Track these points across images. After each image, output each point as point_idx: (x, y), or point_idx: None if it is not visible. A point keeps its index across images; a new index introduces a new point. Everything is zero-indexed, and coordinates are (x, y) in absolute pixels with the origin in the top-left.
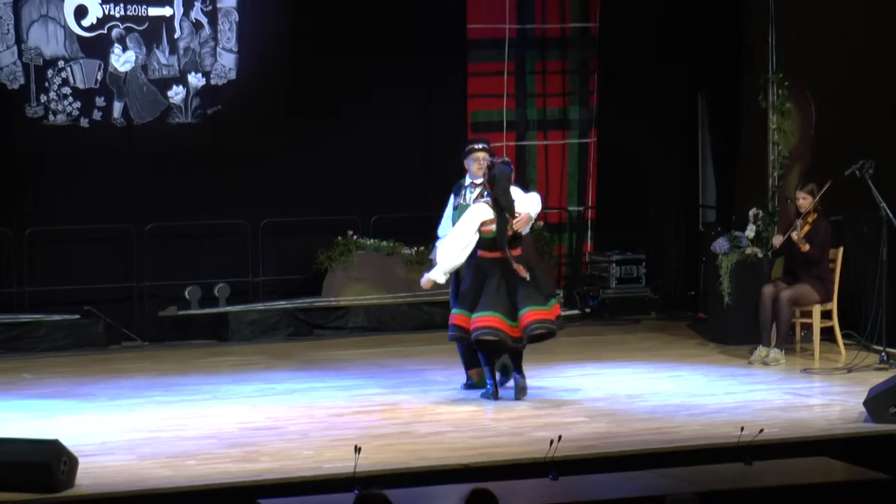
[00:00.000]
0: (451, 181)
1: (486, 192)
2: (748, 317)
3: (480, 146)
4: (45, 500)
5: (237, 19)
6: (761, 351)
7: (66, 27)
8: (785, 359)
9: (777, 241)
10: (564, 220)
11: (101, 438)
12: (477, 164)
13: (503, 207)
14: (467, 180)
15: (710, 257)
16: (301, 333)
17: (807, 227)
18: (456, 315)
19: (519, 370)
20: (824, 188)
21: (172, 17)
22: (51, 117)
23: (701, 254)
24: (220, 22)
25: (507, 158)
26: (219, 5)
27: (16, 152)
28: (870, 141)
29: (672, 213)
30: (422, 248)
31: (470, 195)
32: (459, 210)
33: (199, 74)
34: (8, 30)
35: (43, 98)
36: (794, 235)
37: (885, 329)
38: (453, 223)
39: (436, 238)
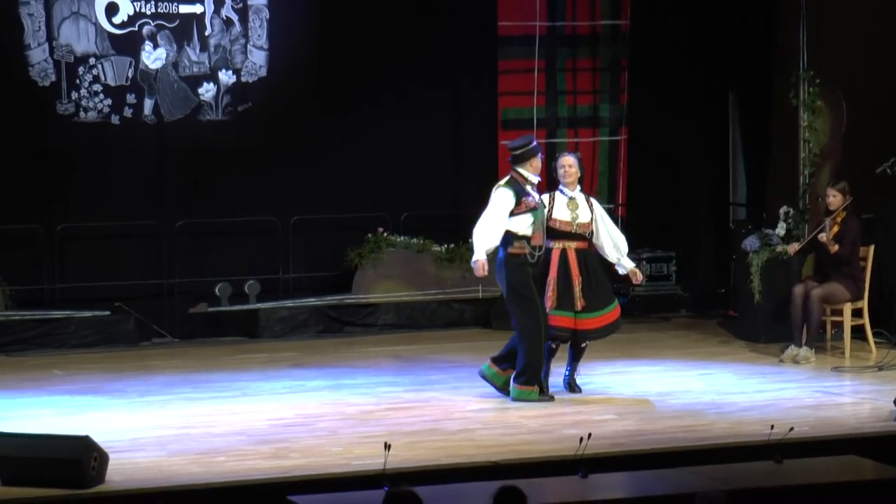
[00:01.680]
0: (482, 178)
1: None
2: (778, 315)
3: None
4: (75, 496)
5: (267, 16)
6: (792, 350)
7: (97, 24)
8: (815, 357)
9: (793, 249)
10: None
11: (132, 435)
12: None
13: None
14: (534, 179)
15: (740, 255)
16: (331, 330)
17: (836, 228)
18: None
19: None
20: (847, 202)
21: (203, 14)
22: (82, 114)
23: (731, 251)
24: (250, 19)
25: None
26: (249, 2)
27: (47, 149)
28: None
29: (702, 210)
30: (451, 245)
31: (538, 196)
32: (541, 210)
33: (230, 72)
34: (39, 27)
35: (74, 95)
36: (823, 237)
37: None
38: (535, 222)
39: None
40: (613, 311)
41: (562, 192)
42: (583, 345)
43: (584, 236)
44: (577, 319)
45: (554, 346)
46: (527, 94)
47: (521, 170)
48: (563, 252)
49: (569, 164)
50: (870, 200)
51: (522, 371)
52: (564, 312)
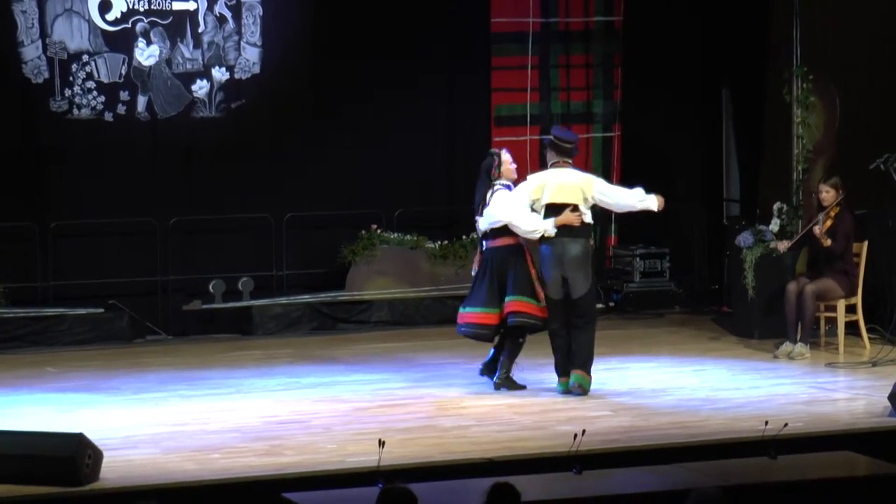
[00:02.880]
0: (476, 175)
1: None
2: (772, 310)
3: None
4: (69, 493)
5: (261, 13)
6: (786, 346)
7: (90, 21)
8: (810, 353)
9: (782, 246)
10: None
11: (126, 432)
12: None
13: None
14: None
15: (734, 251)
16: (325, 327)
17: (829, 222)
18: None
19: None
20: (840, 198)
21: (196, 11)
22: (75, 111)
23: (725, 248)
24: (243, 16)
25: (493, 151)
26: (243, 0)
27: (40, 147)
28: (895, 134)
29: (696, 206)
30: (445, 241)
31: None
32: None
33: (223, 68)
34: (32, 24)
35: (67, 92)
36: (817, 229)
37: None
38: None
39: None
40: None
41: (508, 188)
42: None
43: None
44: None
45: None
46: (520, 90)
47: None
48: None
49: (512, 160)
50: (863, 196)
51: (591, 360)
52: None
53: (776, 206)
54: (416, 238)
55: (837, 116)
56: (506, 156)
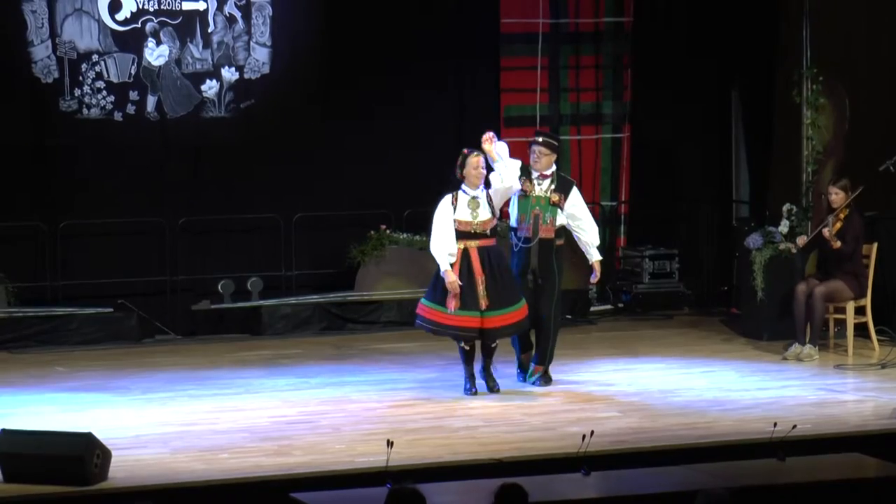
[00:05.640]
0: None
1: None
2: (781, 312)
3: (541, 139)
4: (78, 492)
5: (271, 14)
6: (795, 348)
7: (100, 21)
8: (819, 355)
9: (801, 241)
10: (597, 214)
11: (135, 432)
12: (533, 157)
13: None
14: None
15: (743, 252)
16: (334, 328)
17: (839, 224)
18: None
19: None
20: (857, 192)
21: (206, 11)
22: (85, 111)
23: (734, 249)
24: (253, 16)
25: (465, 149)
26: (252, 0)
27: (50, 146)
28: None
29: (705, 208)
30: None
31: (539, 186)
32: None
33: (233, 69)
34: (42, 24)
35: (77, 92)
36: (826, 232)
37: None
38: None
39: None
40: (519, 310)
41: (464, 191)
42: (492, 344)
43: (485, 234)
44: (483, 318)
45: (466, 346)
46: (530, 91)
47: None
48: (465, 251)
49: (481, 164)
50: (873, 198)
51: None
52: (470, 312)
53: (786, 207)
54: (424, 238)
55: (847, 118)
56: (473, 158)
